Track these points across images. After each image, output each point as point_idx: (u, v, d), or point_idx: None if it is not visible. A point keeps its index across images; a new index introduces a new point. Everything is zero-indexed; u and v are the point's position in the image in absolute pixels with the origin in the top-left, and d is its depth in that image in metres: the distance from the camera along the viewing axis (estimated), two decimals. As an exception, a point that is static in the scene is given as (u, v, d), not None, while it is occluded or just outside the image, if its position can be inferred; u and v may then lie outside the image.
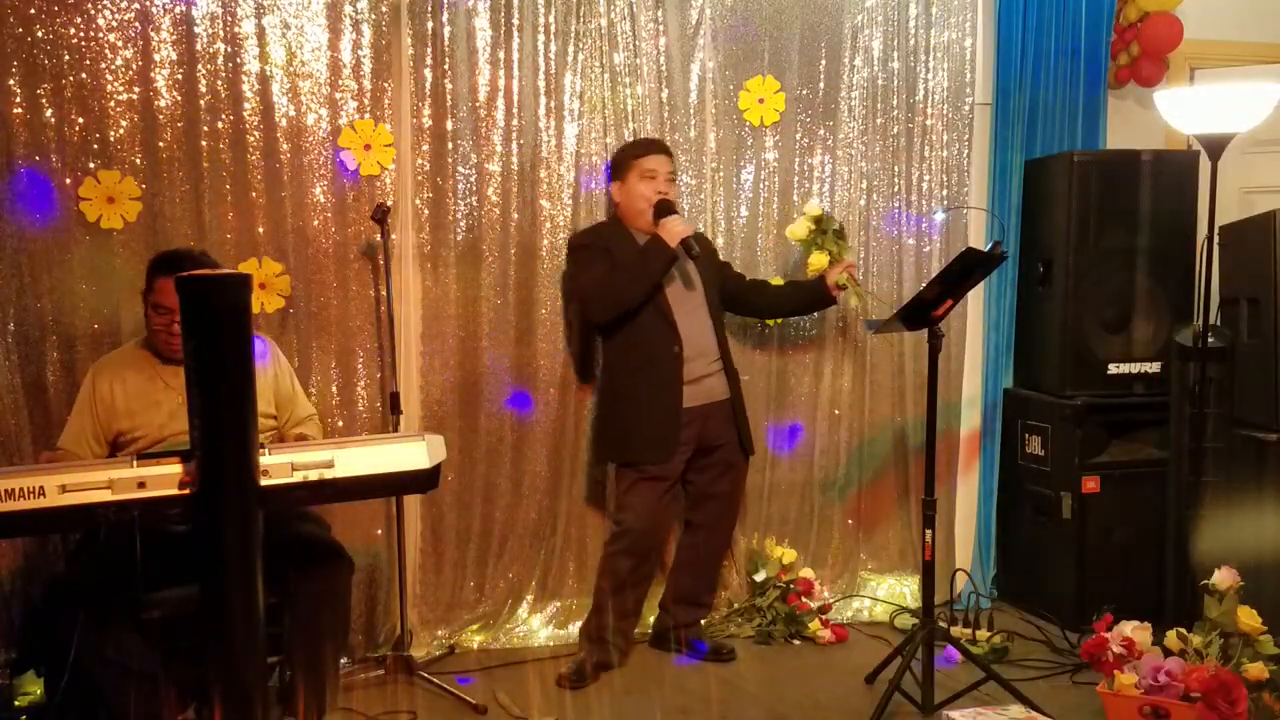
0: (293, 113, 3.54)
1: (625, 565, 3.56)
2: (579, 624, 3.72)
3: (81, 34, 3.32)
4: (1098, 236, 3.98)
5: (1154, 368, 4.02)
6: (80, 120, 3.34)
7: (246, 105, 3.48)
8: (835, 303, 3.84)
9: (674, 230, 3.46)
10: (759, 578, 3.98)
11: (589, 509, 3.95)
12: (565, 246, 3.79)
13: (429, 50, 3.65)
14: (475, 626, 3.80)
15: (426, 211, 3.69)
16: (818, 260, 3.75)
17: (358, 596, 3.54)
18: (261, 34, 3.48)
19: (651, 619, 3.84)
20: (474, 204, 3.74)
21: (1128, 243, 3.99)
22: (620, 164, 3.64)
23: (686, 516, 3.79)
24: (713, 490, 3.70)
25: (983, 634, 3.73)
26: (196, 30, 3.41)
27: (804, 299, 3.85)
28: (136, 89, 3.38)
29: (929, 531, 3.24)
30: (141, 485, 2.08)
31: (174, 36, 3.40)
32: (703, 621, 3.86)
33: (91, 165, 3.35)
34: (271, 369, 3.18)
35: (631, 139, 3.79)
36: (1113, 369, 4.02)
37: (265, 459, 2.09)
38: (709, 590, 3.83)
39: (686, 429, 3.54)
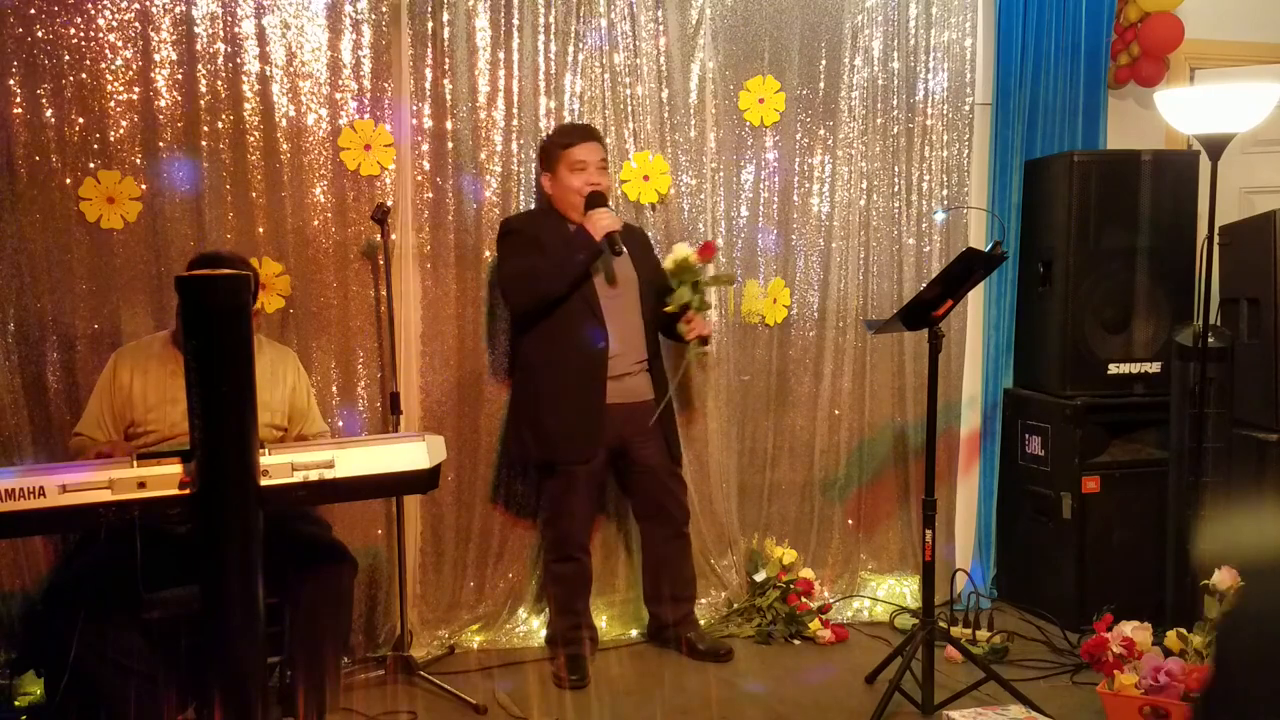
0: (293, 113, 3.54)
1: (567, 570, 3.59)
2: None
3: (81, 34, 3.32)
4: (1098, 236, 3.99)
5: (1154, 368, 4.03)
6: (80, 120, 3.34)
7: (246, 105, 3.48)
8: (686, 342, 3.59)
9: (600, 223, 3.37)
10: (759, 578, 3.97)
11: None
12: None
13: (429, 50, 3.65)
14: (475, 626, 3.80)
15: (426, 212, 3.69)
16: (680, 295, 3.53)
17: (358, 596, 3.54)
18: (261, 34, 3.48)
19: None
20: (474, 204, 3.74)
21: (1128, 243, 4.00)
22: (549, 155, 3.55)
23: (638, 522, 3.77)
24: (647, 498, 3.65)
25: (983, 634, 3.73)
26: (196, 30, 3.41)
27: (668, 330, 3.65)
28: (136, 89, 3.38)
29: (929, 531, 3.24)
30: (141, 485, 2.08)
31: (174, 36, 3.40)
32: (702, 622, 3.85)
33: (91, 165, 3.35)
34: (290, 380, 3.17)
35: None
36: (1113, 369, 4.02)
37: (265, 459, 2.09)
38: (685, 584, 3.76)
39: (609, 427, 3.47)
